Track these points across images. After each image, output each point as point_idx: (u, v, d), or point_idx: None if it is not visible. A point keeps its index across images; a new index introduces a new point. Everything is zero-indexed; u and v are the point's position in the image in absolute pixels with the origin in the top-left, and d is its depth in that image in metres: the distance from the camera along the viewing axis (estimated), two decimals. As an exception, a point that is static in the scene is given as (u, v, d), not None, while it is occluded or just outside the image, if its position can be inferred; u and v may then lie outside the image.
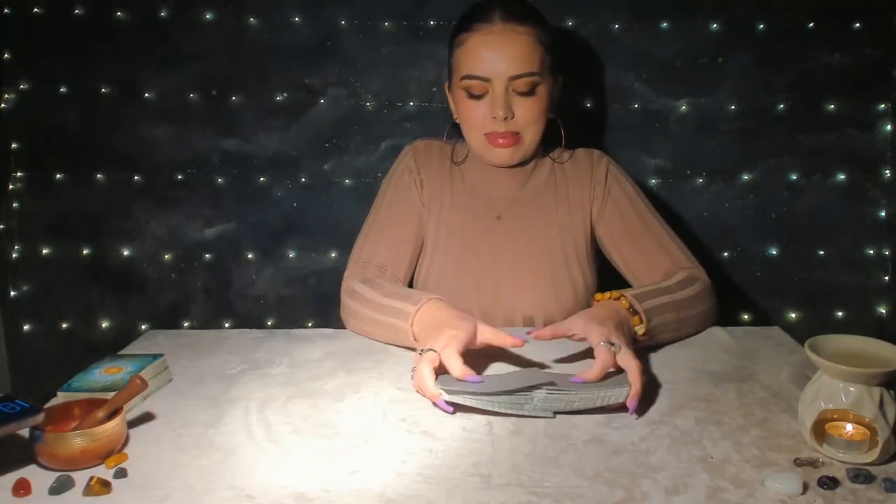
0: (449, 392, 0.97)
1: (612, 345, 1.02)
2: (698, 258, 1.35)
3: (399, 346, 1.22)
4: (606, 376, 1.01)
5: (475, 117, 1.28)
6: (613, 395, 0.96)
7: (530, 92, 1.26)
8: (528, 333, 1.11)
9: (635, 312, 1.14)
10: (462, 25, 1.29)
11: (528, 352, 1.15)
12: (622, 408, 0.97)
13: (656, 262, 1.33)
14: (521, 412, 0.96)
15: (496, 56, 1.24)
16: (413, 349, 1.13)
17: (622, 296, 1.16)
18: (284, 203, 1.79)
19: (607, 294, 1.17)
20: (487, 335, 1.09)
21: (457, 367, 0.99)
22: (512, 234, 1.36)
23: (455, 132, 1.38)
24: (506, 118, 1.25)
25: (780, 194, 1.75)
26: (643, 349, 1.16)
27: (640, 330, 1.13)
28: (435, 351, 1.02)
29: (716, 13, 1.68)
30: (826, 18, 1.67)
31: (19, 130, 1.78)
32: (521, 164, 1.35)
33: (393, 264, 1.36)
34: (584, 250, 1.37)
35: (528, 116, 1.27)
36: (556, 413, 0.96)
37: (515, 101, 1.26)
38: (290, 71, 1.73)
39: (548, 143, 1.37)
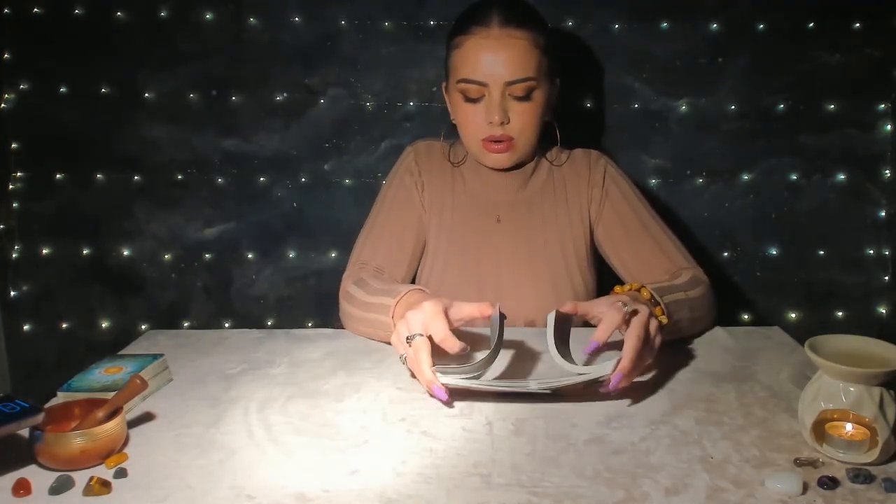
0: (444, 373, 0.98)
1: (625, 305, 1.02)
2: (698, 258, 1.35)
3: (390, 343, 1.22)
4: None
5: (471, 121, 1.28)
6: (597, 370, 0.97)
7: (526, 97, 1.25)
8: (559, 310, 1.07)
9: (656, 303, 1.11)
10: (459, 27, 1.28)
11: (529, 352, 1.15)
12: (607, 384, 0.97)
13: (655, 263, 1.32)
14: (515, 389, 0.98)
15: (493, 61, 1.23)
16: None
17: (643, 287, 1.12)
18: (284, 203, 1.79)
19: (626, 286, 1.15)
20: (466, 309, 1.08)
21: (442, 329, 1.00)
22: (512, 236, 1.36)
23: (454, 133, 1.38)
24: (502, 123, 1.25)
25: (780, 194, 1.75)
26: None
27: (663, 320, 1.09)
28: (421, 335, 1.01)
29: (716, 13, 1.68)
30: (826, 18, 1.67)
31: (19, 130, 1.78)
32: (520, 166, 1.35)
33: (391, 267, 1.36)
34: (584, 252, 1.37)
35: (524, 121, 1.27)
36: (552, 390, 0.97)
37: (511, 105, 1.26)
38: (290, 71, 1.73)
39: (546, 145, 1.37)
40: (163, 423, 0.97)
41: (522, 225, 1.36)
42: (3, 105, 1.76)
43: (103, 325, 1.85)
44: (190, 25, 1.72)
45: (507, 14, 1.24)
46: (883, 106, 1.71)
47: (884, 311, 1.78)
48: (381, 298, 1.19)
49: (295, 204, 1.80)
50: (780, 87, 1.71)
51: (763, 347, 1.20)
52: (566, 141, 1.39)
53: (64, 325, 1.86)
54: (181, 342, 1.27)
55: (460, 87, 1.27)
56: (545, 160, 1.39)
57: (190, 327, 1.83)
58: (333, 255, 1.80)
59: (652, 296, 1.12)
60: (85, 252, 1.82)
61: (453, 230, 1.37)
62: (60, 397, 0.99)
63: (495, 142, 1.27)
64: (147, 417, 0.98)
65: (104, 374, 1.04)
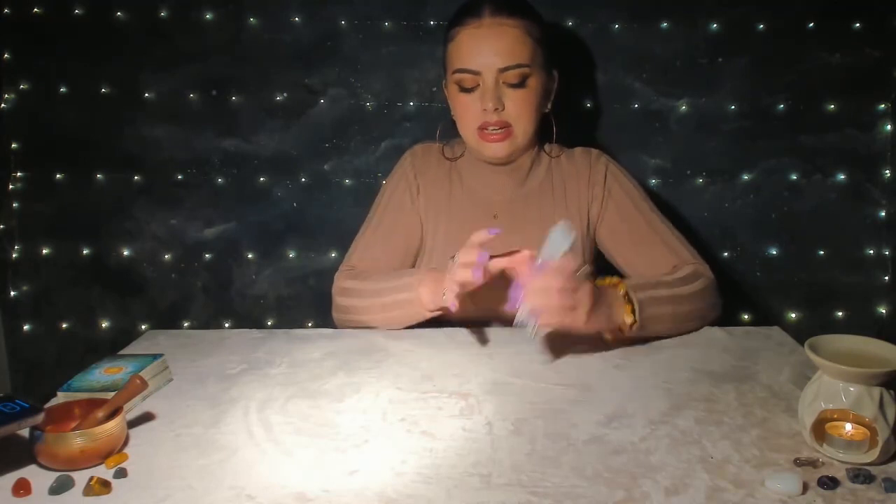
0: None
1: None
2: (699, 258, 1.35)
3: (402, 328, 1.26)
4: None
5: (467, 111, 1.30)
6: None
7: (521, 84, 1.27)
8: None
9: (629, 301, 1.15)
10: (453, 21, 1.31)
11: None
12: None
13: (661, 260, 1.32)
14: None
15: (485, 49, 1.26)
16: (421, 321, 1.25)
17: (620, 283, 1.18)
18: (284, 203, 1.79)
19: (608, 279, 1.19)
20: (500, 263, 1.15)
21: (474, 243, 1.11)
22: (508, 233, 1.35)
23: (450, 132, 1.38)
24: (496, 109, 1.27)
25: (780, 194, 1.75)
26: (640, 342, 1.18)
27: (628, 319, 1.14)
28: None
29: (716, 13, 1.68)
30: (826, 18, 1.67)
31: (19, 130, 1.78)
32: (518, 162, 1.36)
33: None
34: (581, 251, 1.37)
35: (519, 108, 1.28)
36: None
37: (506, 93, 1.27)
38: (290, 71, 1.73)
39: (544, 142, 1.38)
40: (163, 423, 0.97)
41: (519, 222, 1.36)
42: (3, 105, 1.76)
43: (103, 325, 1.85)
44: (190, 25, 1.72)
45: (498, 3, 1.27)
46: (883, 106, 1.71)
47: (884, 311, 1.78)
48: (396, 280, 1.24)
49: (295, 204, 1.80)
50: (780, 87, 1.71)
51: (763, 347, 1.20)
52: (565, 141, 1.39)
53: (64, 325, 1.86)
54: (181, 342, 1.27)
55: (456, 78, 1.29)
56: (544, 156, 1.39)
57: (190, 327, 1.83)
58: (333, 255, 1.80)
59: (626, 293, 1.15)
60: (85, 252, 1.82)
61: (450, 228, 1.37)
62: (60, 397, 1.00)
63: (492, 130, 1.28)
64: (147, 417, 0.98)
65: (104, 374, 1.04)
